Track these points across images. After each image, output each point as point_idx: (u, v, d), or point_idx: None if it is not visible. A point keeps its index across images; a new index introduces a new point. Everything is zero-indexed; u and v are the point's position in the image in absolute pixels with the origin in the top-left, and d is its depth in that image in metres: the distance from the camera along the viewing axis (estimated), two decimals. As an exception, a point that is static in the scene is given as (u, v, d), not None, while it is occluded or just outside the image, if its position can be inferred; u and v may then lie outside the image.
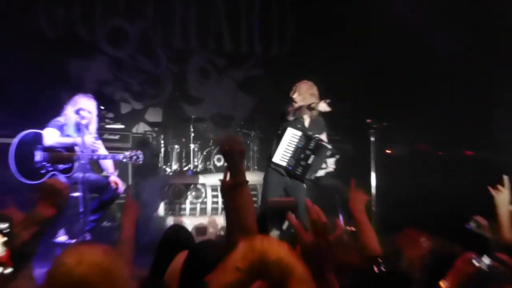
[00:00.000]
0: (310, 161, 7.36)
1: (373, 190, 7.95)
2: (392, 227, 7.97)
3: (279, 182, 7.45)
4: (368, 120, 8.07)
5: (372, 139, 7.91)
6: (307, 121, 7.53)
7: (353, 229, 8.72)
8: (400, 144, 10.43)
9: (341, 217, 8.79)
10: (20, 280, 2.57)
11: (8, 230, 2.46)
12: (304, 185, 7.53)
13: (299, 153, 7.36)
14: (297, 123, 7.46)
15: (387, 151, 10.14)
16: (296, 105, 7.38)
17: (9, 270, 2.44)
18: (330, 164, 7.49)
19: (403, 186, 9.49)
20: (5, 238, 2.45)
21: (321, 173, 7.52)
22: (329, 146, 7.44)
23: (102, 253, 2.10)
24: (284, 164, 7.40)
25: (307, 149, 7.35)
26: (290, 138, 7.38)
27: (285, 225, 2.83)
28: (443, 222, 7.98)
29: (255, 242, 1.92)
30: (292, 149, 7.37)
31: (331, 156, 7.46)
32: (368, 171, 7.98)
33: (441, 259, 3.39)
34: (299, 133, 7.39)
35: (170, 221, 8.68)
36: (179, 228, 5.30)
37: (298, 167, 7.38)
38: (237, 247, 1.93)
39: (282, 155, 7.40)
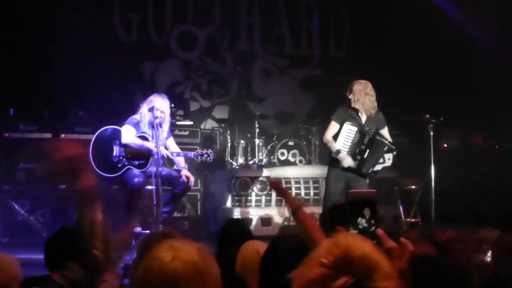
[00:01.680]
0: (365, 155, 7.15)
1: (433, 182, 7.74)
2: (449, 218, 7.83)
3: (340, 175, 7.24)
4: (427, 116, 7.86)
5: (431, 133, 7.70)
6: (363, 117, 7.27)
7: (412, 220, 8.57)
8: (455, 138, 10.15)
9: (401, 208, 8.57)
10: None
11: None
12: (367, 179, 7.27)
13: (355, 148, 7.18)
14: (353, 119, 7.25)
15: (444, 144, 9.88)
16: (353, 104, 7.17)
17: None
18: (388, 159, 7.20)
19: (459, 179, 9.22)
20: None
21: (378, 167, 7.26)
22: (386, 141, 7.18)
23: (196, 251, 1.96)
24: None
25: (362, 143, 7.15)
26: (347, 133, 7.20)
27: (362, 222, 2.64)
28: (498, 215, 7.75)
29: (339, 238, 1.74)
30: (349, 144, 7.19)
31: (389, 151, 7.18)
32: (427, 164, 7.78)
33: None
34: (355, 128, 7.19)
35: (237, 212, 8.65)
36: (236, 221, 5.21)
37: (354, 162, 7.16)
38: (321, 243, 1.76)
39: (341, 148, 7.22)
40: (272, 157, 9.84)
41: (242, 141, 9.88)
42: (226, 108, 11.49)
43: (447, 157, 9.30)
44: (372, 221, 2.57)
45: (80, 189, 2.59)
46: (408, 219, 8.46)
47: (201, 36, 11.48)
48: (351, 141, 7.18)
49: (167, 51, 11.22)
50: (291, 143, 9.91)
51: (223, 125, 10.55)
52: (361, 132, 7.16)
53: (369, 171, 7.22)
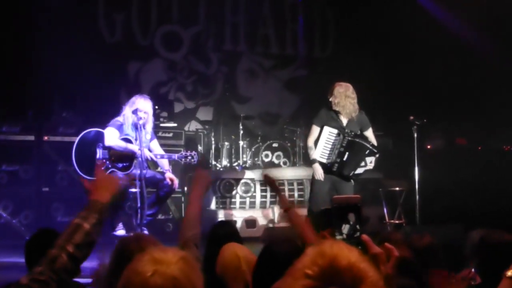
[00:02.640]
0: (345, 158, 7.16)
1: (417, 184, 7.76)
2: (433, 219, 7.86)
3: (325, 177, 7.22)
4: (411, 117, 7.89)
5: (415, 135, 7.72)
6: (344, 120, 7.29)
7: (396, 222, 8.59)
8: (439, 139, 10.19)
9: (385, 209, 8.59)
10: None
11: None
12: (351, 181, 7.27)
13: (335, 151, 7.19)
14: (334, 122, 7.26)
15: (428, 146, 9.92)
16: (334, 107, 7.22)
17: None
18: (369, 162, 7.21)
19: (443, 180, 9.25)
20: None
21: (360, 170, 7.25)
22: (367, 144, 7.17)
23: (178, 263, 1.91)
24: (323, 161, 7.24)
25: (341, 146, 7.17)
26: (327, 136, 7.22)
27: (345, 229, 2.66)
28: (482, 214, 7.79)
29: (324, 247, 1.69)
30: (329, 147, 7.21)
31: (370, 154, 7.19)
32: (412, 165, 7.80)
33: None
34: (335, 131, 7.21)
35: (221, 214, 8.64)
36: (225, 223, 5.19)
37: (334, 164, 7.19)
38: (305, 252, 1.71)
39: (321, 152, 7.24)
40: (256, 159, 9.84)
41: (226, 143, 9.86)
42: (211, 109, 11.47)
43: (432, 158, 9.34)
44: (357, 227, 2.58)
45: (93, 200, 2.67)
46: (393, 221, 8.48)
47: (186, 36, 11.45)
48: (331, 143, 7.21)
49: (152, 51, 11.19)
50: (275, 144, 9.92)
51: (207, 126, 10.54)
52: (341, 134, 7.17)
53: (351, 174, 7.21)
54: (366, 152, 7.19)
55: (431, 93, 10.24)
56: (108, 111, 7.86)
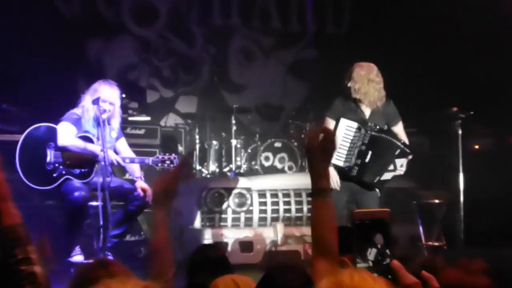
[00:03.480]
0: (367, 159, 7.05)
1: (461, 195, 7.69)
2: (482, 239, 7.79)
3: (342, 185, 7.14)
4: (454, 109, 7.79)
5: (460, 131, 7.64)
6: (367, 111, 7.21)
7: (435, 244, 8.52)
8: (489, 137, 10.16)
9: (420, 228, 8.51)
10: None
11: None
12: (375, 190, 7.17)
13: (355, 150, 7.10)
14: (353, 114, 7.17)
15: (475, 146, 9.87)
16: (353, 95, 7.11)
17: None
18: (400, 165, 7.08)
19: (494, 190, 9.22)
20: None
21: (387, 176, 7.14)
22: (396, 142, 7.08)
23: None
24: (340, 164, 7.14)
25: (363, 144, 7.07)
26: (345, 131, 7.10)
27: (371, 253, 2.57)
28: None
29: (343, 277, 1.76)
30: (348, 145, 7.11)
31: (401, 155, 7.07)
32: (454, 172, 7.74)
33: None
34: (355, 124, 7.09)
35: (208, 234, 8.51)
36: (207, 247, 5.24)
37: (354, 168, 7.11)
38: (319, 283, 1.80)
39: (336, 153, 7.07)
40: (253, 162, 9.86)
41: (214, 142, 9.91)
42: (194, 99, 11.57)
43: (479, 162, 9.26)
44: (386, 251, 2.59)
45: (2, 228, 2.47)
46: (430, 243, 8.42)
47: (162, 7, 11.48)
48: (349, 141, 7.10)
49: (118, 27, 11.22)
50: (278, 144, 9.92)
51: (190, 121, 10.61)
52: (363, 129, 7.07)
53: (375, 181, 7.11)
54: (396, 153, 7.06)
55: (477, 80, 10.18)
56: (62, 102, 7.81)
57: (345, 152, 7.10)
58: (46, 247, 2.91)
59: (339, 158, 7.11)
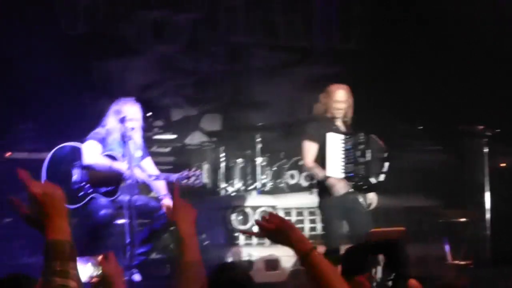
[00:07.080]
0: (368, 156, 7.32)
1: (488, 213, 7.73)
2: (509, 258, 7.83)
3: (335, 201, 7.40)
4: (480, 127, 7.85)
5: (486, 150, 7.69)
6: (341, 125, 7.59)
7: (462, 262, 8.54)
8: None
9: (447, 248, 8.54)
10: None
11: None
12: (365, 204, 7.47)
13: (353, 154, 7.34)
14: (334, 128, 7.48)
15: (502, 164, 9.87)
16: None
17: None
18: (386, 168, 7.44)
19: None
20: None
21: (382, 177, 7.45)
22: (381, 142, 7.45)
23: None
24: (342, 174, 7.36)
25: (359, 144, 7.34)
26: (334, 143, 7.34)
27: (377, 272, 2.66)
28: None
29: None
30: (343, 152, 7.34)
31: (387, 159, 7.41)
32: (480, 190, 7.76)
33: None
34: (341, 135, 7.38)
35: (232, 253, 8.63)
36: (231, 267, 5.22)
37: (360, 169, 7.34)
38: None
39: (335, 165, 7.34)
40: (279, 180, 9.81)
41: (239, 160, 9.87)
42: (218, 117, 11.51)
43: (506, 180, 9.28)
44: (393, 271, 2.57)
45: (48, 242, 2.54)
46: (457, 261, 8.44)
47: (183, 23, 11.41)
48: (343, 148, 7.35)
49: (140, 45, 11.12)
50: (303, 162, 9.87)
51: (214, 139, 10.56)
52: (351, 135, 7.38)
53: (379, 179, 7.40)
54: (384, 154, 7.44)
55: (502, 96, 10.16)
56: (85, 120, 7.99)
57: (344, 161, 7.36)
58: (112, 260, 2.99)
59: (338, 170, 7.35)
